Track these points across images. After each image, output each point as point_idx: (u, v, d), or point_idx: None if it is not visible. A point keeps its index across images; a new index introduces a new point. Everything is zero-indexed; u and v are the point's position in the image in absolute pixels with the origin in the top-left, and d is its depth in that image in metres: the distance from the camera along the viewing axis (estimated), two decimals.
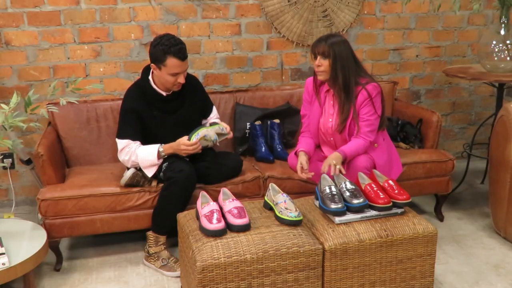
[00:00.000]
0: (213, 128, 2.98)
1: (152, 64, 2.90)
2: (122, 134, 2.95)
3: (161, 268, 2.88)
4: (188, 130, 2.93)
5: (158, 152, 2.89)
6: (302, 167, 2.79)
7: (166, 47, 2.80)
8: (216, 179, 3.00)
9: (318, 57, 2.81)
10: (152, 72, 2.95)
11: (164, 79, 2.89)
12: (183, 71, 2.88)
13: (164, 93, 2.97)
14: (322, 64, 2.80)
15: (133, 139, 2.92)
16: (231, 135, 3.06)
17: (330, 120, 2.93)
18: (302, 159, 2.81)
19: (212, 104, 3.24)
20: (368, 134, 2.83)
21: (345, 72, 2.80)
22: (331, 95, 2.92)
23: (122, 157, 2.95)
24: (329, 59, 2.78)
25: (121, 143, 2.94)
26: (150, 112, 2.96)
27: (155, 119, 2.96)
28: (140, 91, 2.98)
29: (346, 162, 2.86)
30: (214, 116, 3.20)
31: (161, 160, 2.93)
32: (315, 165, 2.93)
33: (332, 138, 2.94)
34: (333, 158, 2.71)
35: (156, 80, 2.94)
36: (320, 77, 2.87)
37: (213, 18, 3.66)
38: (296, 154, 2.92)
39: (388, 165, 2.93)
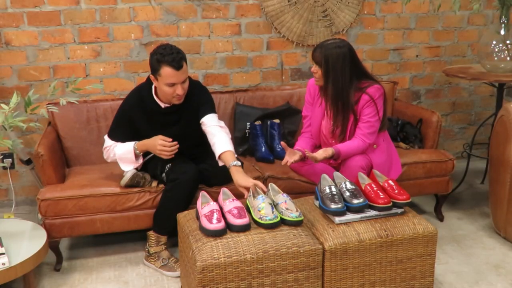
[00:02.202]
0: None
1: (151, 75, 2.83)
2: (110, 133, 2.97)
3: (161, 268, 2.88)
4: (187, 143, 2.88)
5: (134, 149, 2.88)
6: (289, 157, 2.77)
7: (160, 56, 2.72)
8: (217, 181, 2.97)
9: (314, 64, 2.82)
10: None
11: (163, 91, 2.80)
12: (180, 81, 2.76)
13: (162, 105, 2.90)
14: (317, 72, 2.81)
15: (117, 141, 2.93)
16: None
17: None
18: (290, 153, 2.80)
19: (212, 112, 2.95)
20: (367, 136, 2.82)
21: (337, 85, 2.76)
22: None
23: (105, 155, 2.99)
24: (321, 69, 2.78)
25: (106, 141, 2.96)
26: (147, 123, 2.91)
27: (152, 131, 2.87)
28: (139, 99, 2.92)
29: (341, 160, 2.86)
30: (211, 124, 2.88)
31: (140, 162, 2.92)
32: (313, 166, 2.93)
33: (334, 141, 2.93)
34: (323, 155, 2.73)
35: (158, 90, 2.88)
36: (317, 83, 2.88)
37: (213, 18, 3.66)
38: None
39: (387, 166, 2.91)
